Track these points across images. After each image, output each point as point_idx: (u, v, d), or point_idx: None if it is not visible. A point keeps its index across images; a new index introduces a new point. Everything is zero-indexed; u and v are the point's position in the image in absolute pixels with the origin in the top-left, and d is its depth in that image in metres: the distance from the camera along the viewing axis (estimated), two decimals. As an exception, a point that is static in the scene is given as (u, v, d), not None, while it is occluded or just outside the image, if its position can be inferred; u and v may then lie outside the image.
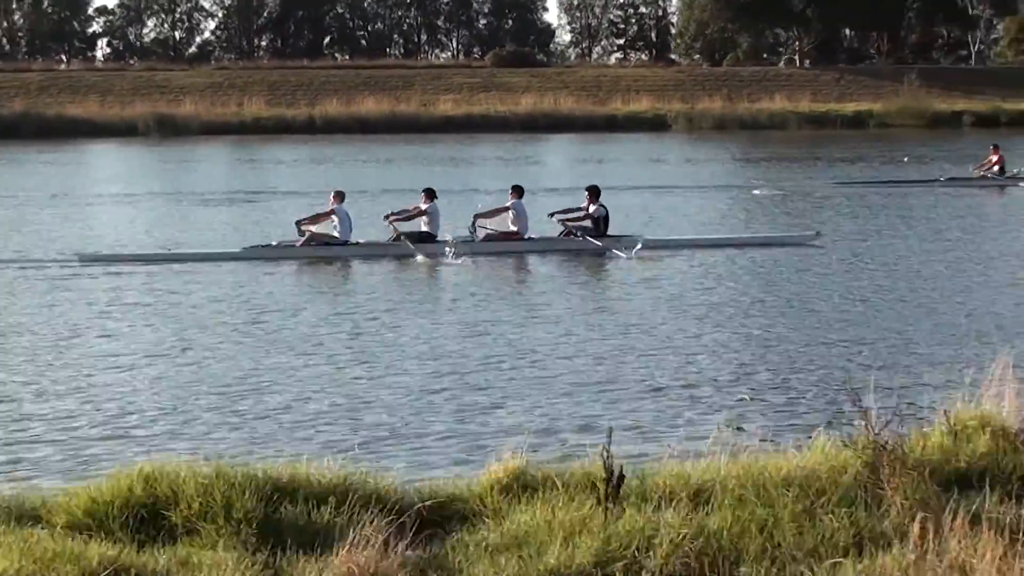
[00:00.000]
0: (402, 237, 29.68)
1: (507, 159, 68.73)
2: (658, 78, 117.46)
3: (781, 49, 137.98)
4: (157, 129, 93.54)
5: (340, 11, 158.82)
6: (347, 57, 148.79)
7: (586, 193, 31.21)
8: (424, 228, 30.12)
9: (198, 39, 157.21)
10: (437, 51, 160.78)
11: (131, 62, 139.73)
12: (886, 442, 9.82)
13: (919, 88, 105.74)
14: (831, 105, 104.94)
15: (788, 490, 9.66)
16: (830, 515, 9.29)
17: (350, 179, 51.23)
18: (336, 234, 29.79)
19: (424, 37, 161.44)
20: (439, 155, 72.18)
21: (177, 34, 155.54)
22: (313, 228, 29.82)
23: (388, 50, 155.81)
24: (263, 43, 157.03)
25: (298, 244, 29.70)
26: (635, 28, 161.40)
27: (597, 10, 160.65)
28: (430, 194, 30.47)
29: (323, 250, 29.53)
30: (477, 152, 74.73)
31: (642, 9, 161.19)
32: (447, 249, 28.74)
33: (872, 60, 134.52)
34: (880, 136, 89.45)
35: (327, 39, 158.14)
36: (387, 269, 28.37)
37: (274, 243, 30.17)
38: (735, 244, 31.17)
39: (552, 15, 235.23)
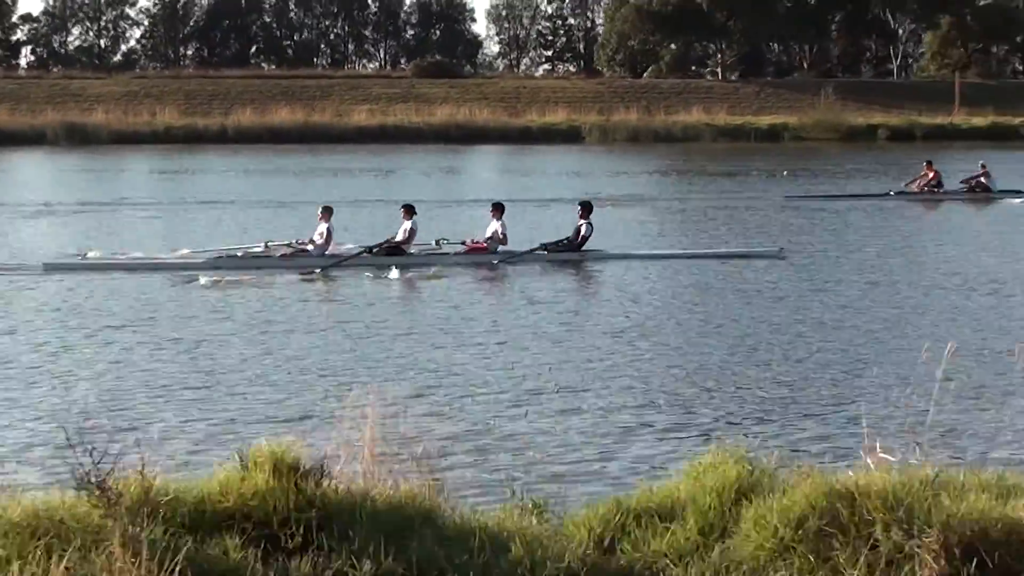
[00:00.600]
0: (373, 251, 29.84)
1: (384, 171, 68.37)
2: (577, 90, 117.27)
3: (710, 62, 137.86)
4: (66, 137, 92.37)
5: (267, 20, 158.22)
6: (273, 66, 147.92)
7: (578, 208, 31.49)
8: (399, 239, 30.27)
9: (123, 47, 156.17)
10: (365, 61, 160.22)
11: (54, 70, 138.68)
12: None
13: (835, 102, 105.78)
14: (747, 118, 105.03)
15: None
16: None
17: (255, 189, 51.07)
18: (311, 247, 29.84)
19: (351, 47, 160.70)
20: (336, 166, 71.60)
21: (102, 42, 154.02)
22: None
23: (315, 60, 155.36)
24: (189, 52, 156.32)
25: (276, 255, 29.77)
26: (563, 40, 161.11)
27: (525, 21, 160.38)
28: (409, 209, 30.49)
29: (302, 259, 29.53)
30: (375, 164, 74.00)
31: (571, 20, 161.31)
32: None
33: (794, 75, 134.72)
34: (795, 149, 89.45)
35: (253, 48, 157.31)
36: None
37: (238, 254, 30.06)
38: (699, 257, 31.33)
39: (480, 26, 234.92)
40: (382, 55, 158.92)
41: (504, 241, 30.35)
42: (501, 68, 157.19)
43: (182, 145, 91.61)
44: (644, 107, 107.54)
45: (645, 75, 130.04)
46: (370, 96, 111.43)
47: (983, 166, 49.54)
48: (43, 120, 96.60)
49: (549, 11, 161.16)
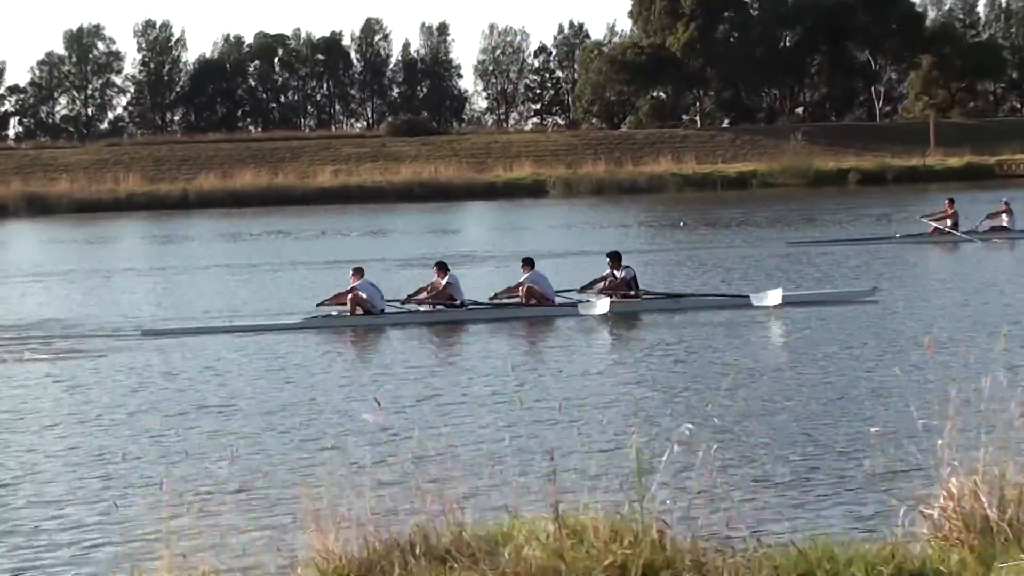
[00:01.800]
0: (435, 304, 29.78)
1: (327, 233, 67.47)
2: (551, 143, 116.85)
3: (691, 110, 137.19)
4: (26, 208, 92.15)
5: (252, 84, 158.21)
6: (260, 130, 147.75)
7: (607, 259, 30.76)
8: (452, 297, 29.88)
9: (110, 115, 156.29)
10: (352, 121, 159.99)
11: (42, 139, 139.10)
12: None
13: (806, 147, 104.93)
14: (717, 166, 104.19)
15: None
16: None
17: (187, 254, 50.47)
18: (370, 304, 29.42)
19: (338, 107, 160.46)
20: (289, 228, 70.94)
21: (89, 111, 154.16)
22: (338, 305, 29.53)
23: (301, 121, 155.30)
24: (176, 117, 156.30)
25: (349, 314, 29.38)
26: (551, 93, 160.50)
27: (512, 75, 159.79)
28: (442, 267, 29.95)
29: (367, 319, 29.22)
30: (308, 225, 73.08)
31: (558, 73, 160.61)
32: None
33: (773, 121, 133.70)
34: (761, 196, 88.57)
35: (240, 111, 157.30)
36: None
37: (333, 312, 29.49)
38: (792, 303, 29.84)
39: (468, 81, 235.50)
40: (369, 114, 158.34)
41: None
42: (490, 123, 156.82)
43: (143, 212, 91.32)
44: (616, 158, 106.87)
45: (624, 126, 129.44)
46: (339, 156, 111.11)
47: (1006, 203, 47.25)
48: (6, 191, 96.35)
49: (536, 64, 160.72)
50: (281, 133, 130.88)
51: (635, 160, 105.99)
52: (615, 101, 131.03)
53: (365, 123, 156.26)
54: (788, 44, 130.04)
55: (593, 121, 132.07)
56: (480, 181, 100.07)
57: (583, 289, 30.24)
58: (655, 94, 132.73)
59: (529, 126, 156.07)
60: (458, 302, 29.51)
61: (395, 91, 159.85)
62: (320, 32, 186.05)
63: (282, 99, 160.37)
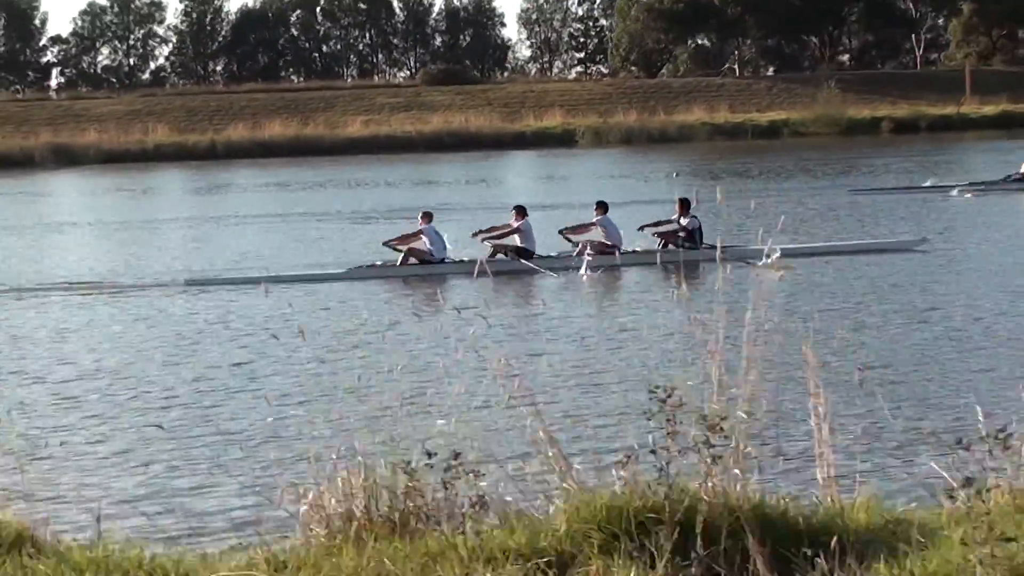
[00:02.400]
0: (507, 253, 29.77)
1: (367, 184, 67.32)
2: (586, 92, 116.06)
3: (733, 58, 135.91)
4: (53, 159, 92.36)
5: (294, 33, 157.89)
6: (302, 79, 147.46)
7: (676, 203, 30.74)
8: (520, 244, 29.98)
9: (152, 65, 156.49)
10: (395, 70, 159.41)
11: (84, 90, 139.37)
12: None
13: (840, 95, 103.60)
14: (750, 115, 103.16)
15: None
16: None
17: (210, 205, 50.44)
18: (430, 252, 29.81)
19: (381, 57, 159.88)
20: (319, 179, 70.89)
21: (132, 61, 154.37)
22: (402, 247, 30.13)
23: (344, 71, 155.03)
24: (218, 68, 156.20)
25: (398, 264, 29.94)
26: (596, 41, 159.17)
27: (556, 24, 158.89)
28: (521, 211, 30.23)
29: (421, 268, 29.57)
30: (360, 175, 72.96)
31: (602, 22, 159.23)
32: (584, 265, 27.72)
33: (814, 69, 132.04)
34: (793, 145, 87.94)
35: (282, 61, 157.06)
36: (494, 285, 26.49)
37: (378, 263, 30.08)
38: (847, 251, 30.72)
39: (512, 30, 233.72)
40: (412, 63, 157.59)
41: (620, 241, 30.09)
42: (533, 72, 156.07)
43: (171, 163, 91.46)
44: (652, 107, 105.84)
45: (664, 74, 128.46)
46: (373, 107, 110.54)
47: None
48: (35, 142, 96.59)
49: (580, 13, 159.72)
50: (318, 83, 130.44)
51: (668, 109, 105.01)
52: (653, 50, 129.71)
53: (408, 72, 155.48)
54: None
55: (632, 70, 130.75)
56: (510, 130, 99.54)
57: (644, 227, 30.60)
58: (699, 42, 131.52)
59: (573, 75, 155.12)
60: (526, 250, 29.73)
61: (438, 40, 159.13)
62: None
63: (324, 49, 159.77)
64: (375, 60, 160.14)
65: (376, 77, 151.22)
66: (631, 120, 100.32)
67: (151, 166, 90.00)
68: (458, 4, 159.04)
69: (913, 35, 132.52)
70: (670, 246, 29.14)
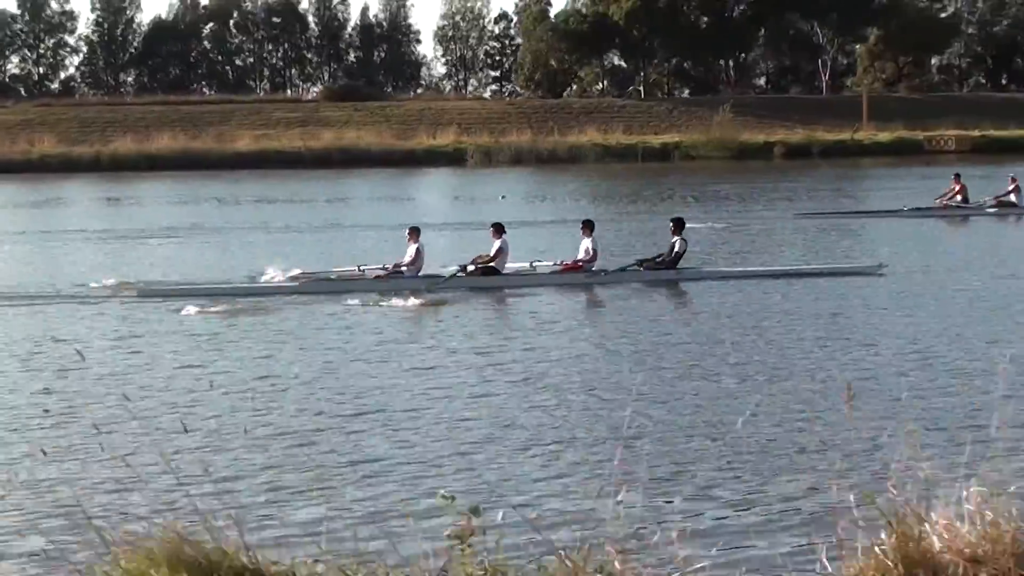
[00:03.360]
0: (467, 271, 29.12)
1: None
2: (486, 111, 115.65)
3: (638, 79, 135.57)
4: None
5: (207, 46, 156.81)
6: (213, 92, 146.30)
7: (671, 224, 30.28)
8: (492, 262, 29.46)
9: (62, 75, 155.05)
10: (308, 85, 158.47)
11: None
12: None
13: (735, 119, 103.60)
14: (644, 137, 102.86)
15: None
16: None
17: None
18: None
19: (295, 71, 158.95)
20: (167, 194, 70.07)
21: (41, 69, 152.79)
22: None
23: (257, 84, 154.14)
24: (129, 79, 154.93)
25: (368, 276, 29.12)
26: (512, 60, 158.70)
27: (472, 41, 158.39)
28: (499, 229, 29.58)
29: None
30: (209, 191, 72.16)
31: (518, 40, 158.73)
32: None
33: (717, 90, 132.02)
34: (684, 168, 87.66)
35: (193, 74, 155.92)
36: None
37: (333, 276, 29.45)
38: (799, 275, 29.89)
39: (428, 47, 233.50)
40: (326, 78, 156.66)
41: (595, 259, 29.49)
42: (448, 89, 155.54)
43: (54, 175, 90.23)
44: (550, 128, 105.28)
45: (566, 95, 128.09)
46: (269, 121, 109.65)
47: (1013, 179, 47.12)
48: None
49: (496, 31, 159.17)
50: (216, 97, 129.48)
51: (565, 130, 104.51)
52: (557, 70, 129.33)
53: (321, 87, 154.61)
54: (734, 15, 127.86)
55: (536, 90, 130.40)
56: (400, 148, 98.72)
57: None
58: (607, 63, 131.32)
59: (488, 93, 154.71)
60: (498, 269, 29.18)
61: (352, 56, 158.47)
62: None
63: (237, 62, 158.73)
64: (289, 74, 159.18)
65: (288, 91, 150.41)
66: (525, 140, 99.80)
67: (33, 178, 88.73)
68: (373, 20, 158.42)
69: (820, 60, 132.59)
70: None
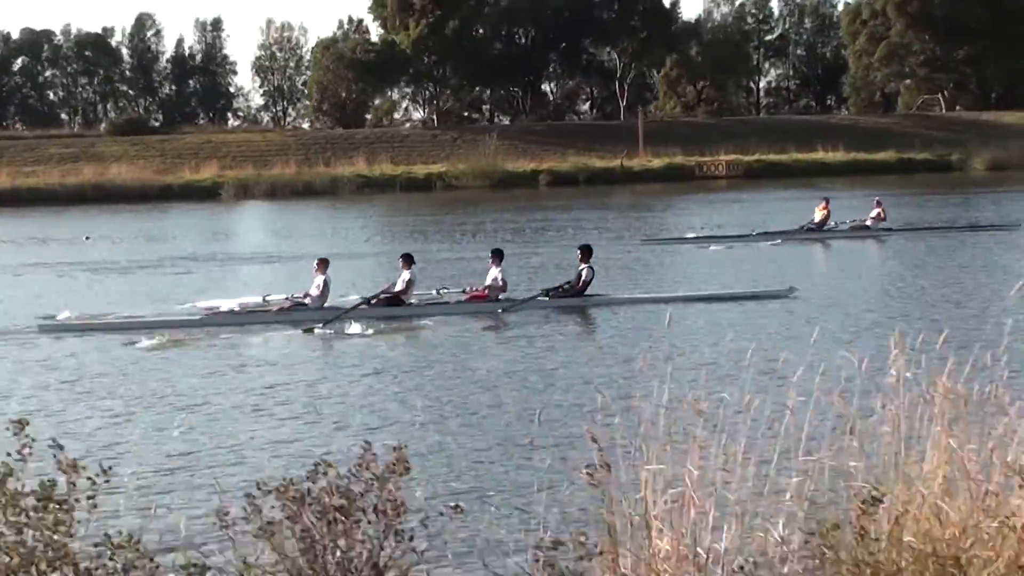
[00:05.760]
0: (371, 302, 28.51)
1: None
2: (265, 143, 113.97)
3: (430, 108, 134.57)
4: None
5: (17, 81, 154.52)
6: (23, 127, 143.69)
7: (579, 252, 30.25)
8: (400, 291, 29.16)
9: None
10: (115, 117, 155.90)
11: None
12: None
13: (504, 147, 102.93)
14: (411, 167, 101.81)
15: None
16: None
17: None
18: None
19: (108, 105, 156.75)
20: None
21: None
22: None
23: (72, 119, 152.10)
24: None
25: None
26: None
27: (290, 72, 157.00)
28: (408, 259, 29.32)
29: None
30: None
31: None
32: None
33: (523, 116, 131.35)
34: (443, 199, 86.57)
35: (5, 108, 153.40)
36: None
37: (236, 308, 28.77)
38: (713, 299, 29.85)
39: (245, 78, 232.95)
40: (141, 110, 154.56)
41: (504, 288, 29.45)
42: (266, 120, 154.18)
43: None
44: (324, 159, 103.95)
45: (366, 125, 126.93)
46: (42, 157, 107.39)
47: (878, 202, 47.81)
48: None
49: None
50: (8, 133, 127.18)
51: (339, 161, 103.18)
52: (346, 100, 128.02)
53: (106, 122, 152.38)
54: (526, 41, 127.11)
55: (325, 120, 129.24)
56: (156, 184, 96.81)
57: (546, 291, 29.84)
58: (396, 92, 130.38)
59: (307, 124, 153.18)
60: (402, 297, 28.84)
61: (166, 88, 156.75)
62: (92, 27, 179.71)
63: (49, 96, 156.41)
64: (103, 108, 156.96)
65: (102, 127, 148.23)
66: (289, 172, 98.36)
67: None
68: (187, 52, 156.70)
69: (616, 86, 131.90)
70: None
